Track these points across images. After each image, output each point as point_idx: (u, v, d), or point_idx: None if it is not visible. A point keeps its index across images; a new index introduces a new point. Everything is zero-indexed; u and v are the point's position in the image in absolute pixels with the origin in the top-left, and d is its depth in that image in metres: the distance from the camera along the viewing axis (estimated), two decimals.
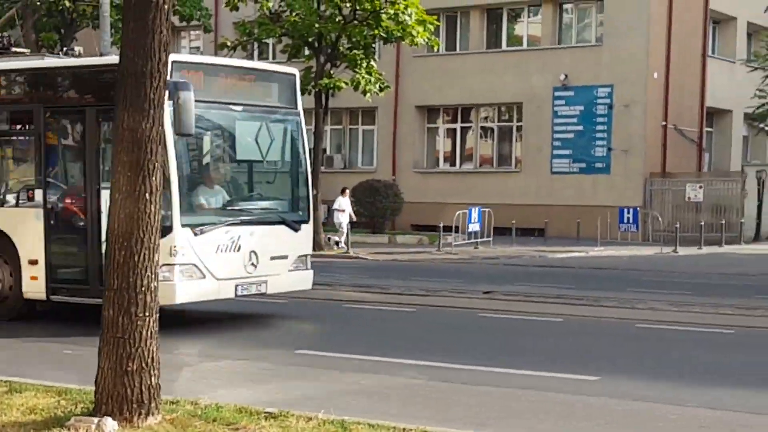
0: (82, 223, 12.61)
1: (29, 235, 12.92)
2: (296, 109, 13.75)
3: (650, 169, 32.47)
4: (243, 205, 13.24)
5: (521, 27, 35.61)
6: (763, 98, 32.38)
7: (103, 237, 11.94)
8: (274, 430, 7.08)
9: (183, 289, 11.97)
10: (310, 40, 26.17)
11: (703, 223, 29.08)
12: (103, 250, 12.13)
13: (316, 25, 25.59)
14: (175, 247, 11.85)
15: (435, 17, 27.77)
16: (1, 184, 13.78)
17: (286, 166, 14.02)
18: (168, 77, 11.53)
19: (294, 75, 13.94)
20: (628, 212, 29.33)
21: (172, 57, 12.17)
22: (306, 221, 13.69)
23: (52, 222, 12.80)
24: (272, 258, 12.91)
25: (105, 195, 12.08)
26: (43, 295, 12.84)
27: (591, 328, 13.42)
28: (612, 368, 10.41)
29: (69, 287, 12.69)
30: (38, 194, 13.00)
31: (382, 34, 25.69)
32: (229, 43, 26.69)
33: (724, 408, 8.54)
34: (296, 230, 13.38)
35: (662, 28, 32.49)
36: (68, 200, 12.96)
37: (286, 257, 13.19)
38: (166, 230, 11.42)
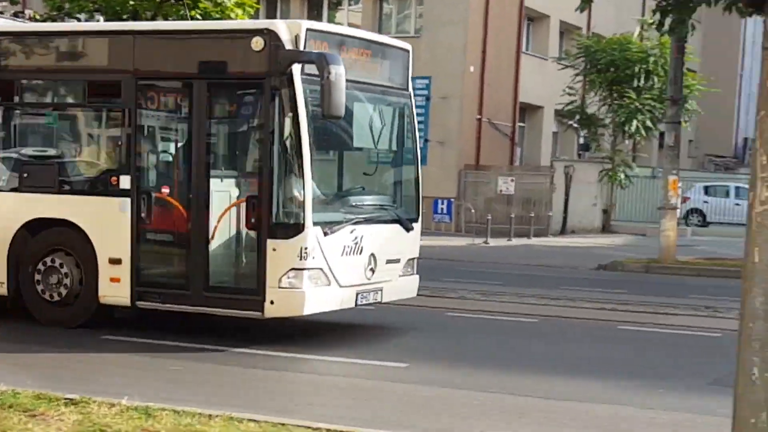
0: (182, 217, 10.76)
1: (111, 230, 10.96)
2: (408, 90, 12.27)
3: (465, 161, 33.16)
4: (363, 200, 11.57)
5: (342, 15, 35.69)
6: (572, 95, 33.53)
7: (211, 234, 10.55)
8: (74, 417, 6.86)
9: (312, 298, 10.29)
10: (124, 17, 25.48)
11: (513, 216, 29.88)
12: (211, 249, 10.55)
13: (131, 2, 24.95)
14: (305, 249, 10.14)
15: (255, 0, 27.53)
16: (73, 169, 11.65)
17: (399, 156, 12.31)
18: (301, 47, 10.16)
19: (408, 51, 12.48)
20: (443, 203, 29.87)
21: (306, 24, 10.55)
22: (416, 220, 12.12)
23: (142, 214, 10.79)
24: (387, 262, 11.41)
25: (215, 184, 10.63)
26: (126, 301, 10.91)
27: (403, 316, 13.59)
28: (421, 355, 10.57)
29: (162, 292, 10.77)
30: (125, 181, 10.93)
31: (199, 15, 25.27)
32: (38, 17, 25.70)
33: (524, 394, 8.80)
34: (409, 230, 11.87)
35: (479, 23, 33.20)
36: (165, 189, 10.99)
37: (398, 261, 11.69)
38: (296, 229, 10.15)
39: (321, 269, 10.36)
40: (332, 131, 11.14)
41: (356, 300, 10.94)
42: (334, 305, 10.75)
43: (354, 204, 11.28)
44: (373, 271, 11.12)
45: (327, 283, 10.43)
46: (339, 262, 10.58)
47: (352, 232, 10.80)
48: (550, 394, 8.81)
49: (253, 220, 10.31)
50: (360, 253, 10.92)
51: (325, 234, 10.39)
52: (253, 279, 10.33)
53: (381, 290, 11.33)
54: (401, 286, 11.81)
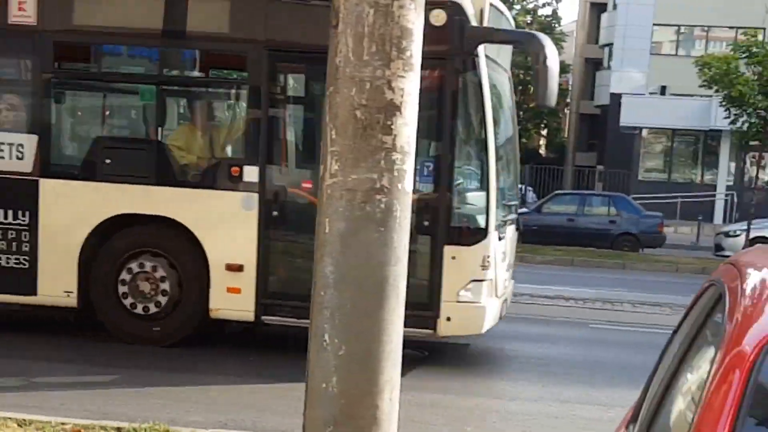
0: None
1: (229, 230, 9.04)
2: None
3: None
4: (510, 199, 10.19)
5: None
6: None
7: None
8: None
9: (489, 313, 8.86)
10: None
11: None
12: None
13: None
14: (488, 257, 8.69)
15: None
16: (175, 156, 9.37)
17: (516, 145, 10.76)
18: (485, 23, 8.69)
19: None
20: None
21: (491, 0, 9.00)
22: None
23: (274, 213, 8.96)
24: (508, 267, 9.92)
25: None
26: (249, 315, 9.03)
27: None
28: None
29: (297, 306, 8.63)
30: (250, 173, 8.96)
31: None
32: None
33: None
34: (518, 229, 10.56)
35: None
36: (306, 184, 9.18)
37: (512, 265, 10.36)
38: (479, 234, 8.64)
39: (493, 280, 9.02)
40: (498, 121, 9.69)
41: (500, 312, 9.48)
42: (496, 320, 9.36)
43: (505, 203, 9.89)
44: (507, 278, 9.90)
45: (494, 293, 9.09)
46: (499, 269, 9.27)
47: (504, 234, 9.59)
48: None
49: (425, 224, 8.69)
50: (504, 259, 9.62)
51: (500, 239, 9.16)
52: (424, 291, 8.72)
53: (507, 299, 9.93)
54: (510, 293, 10.40)
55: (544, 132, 60.97)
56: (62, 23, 9.23)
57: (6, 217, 9.23)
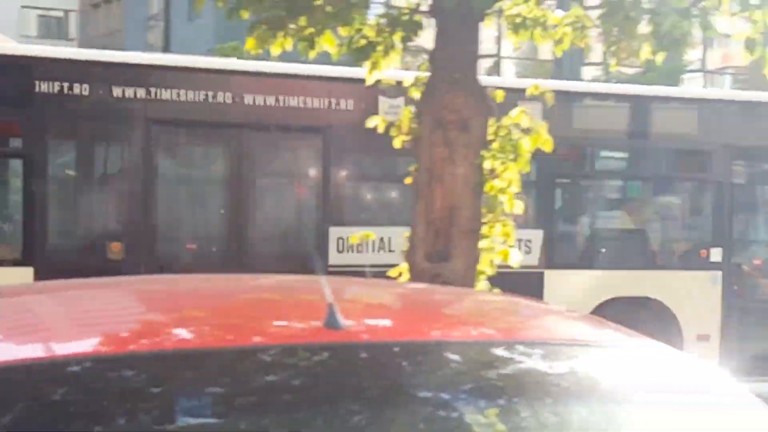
0: None
1: (698, 305, 10.40)
2: None
3: None
4: None
5: None
6: None
7: None
8: None
9: None
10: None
11: None
12: None
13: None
14: None
15: None
16: (655, 243, 10.90)
17: None
18: None
19: None
20: None
21: None
22: None
23: (734, 287, 10.57)
24: None
25: None
26: None
27: None
28: None
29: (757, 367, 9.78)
30: (715, 254, 10.55)
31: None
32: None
33: None
34: None
35: None
36: (756, 261, 10.96)
37: None
38: None
39: None
40: None
41: None
42: None
43: None
44: None
45: None
46: None
47: None
48: None
49: None
50: None
51: None
52: None
53: None
54: None
55: None
56: (560, 128, 9.46)
57: None
